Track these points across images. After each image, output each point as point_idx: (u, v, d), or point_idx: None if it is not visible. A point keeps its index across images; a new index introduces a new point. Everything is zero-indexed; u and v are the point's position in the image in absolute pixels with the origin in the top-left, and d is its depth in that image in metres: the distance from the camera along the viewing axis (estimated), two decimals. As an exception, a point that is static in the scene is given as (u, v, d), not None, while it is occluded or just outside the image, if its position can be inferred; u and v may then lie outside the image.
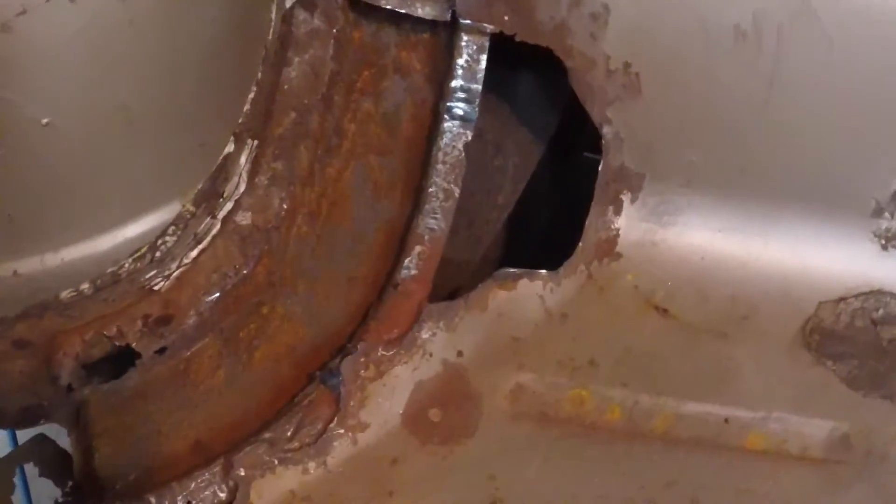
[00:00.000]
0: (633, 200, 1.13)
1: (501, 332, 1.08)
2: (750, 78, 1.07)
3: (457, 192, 1.06)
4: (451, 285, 1.15)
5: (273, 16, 1.04)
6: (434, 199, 1.05)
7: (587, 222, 1.11)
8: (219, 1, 1.03)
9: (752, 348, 1.11)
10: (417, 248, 1.05)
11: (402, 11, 1.04)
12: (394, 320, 1.04)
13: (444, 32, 1.07)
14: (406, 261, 1.04)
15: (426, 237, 1.05)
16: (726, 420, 1.09)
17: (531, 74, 1.20)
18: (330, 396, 1.02)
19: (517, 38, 1.05)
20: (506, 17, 1.04)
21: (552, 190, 1.28)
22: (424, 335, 1.04)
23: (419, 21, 1.06)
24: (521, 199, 1.25)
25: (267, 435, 0.99)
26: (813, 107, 1.08)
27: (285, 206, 1.07)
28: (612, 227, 1.13)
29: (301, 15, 1.07)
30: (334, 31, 1.06)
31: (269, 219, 1.07)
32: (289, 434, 1.00)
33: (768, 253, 1.14)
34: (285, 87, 1.06)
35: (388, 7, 1.04)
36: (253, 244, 1.06)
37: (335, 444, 1.01)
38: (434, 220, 1.05)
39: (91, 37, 1.00)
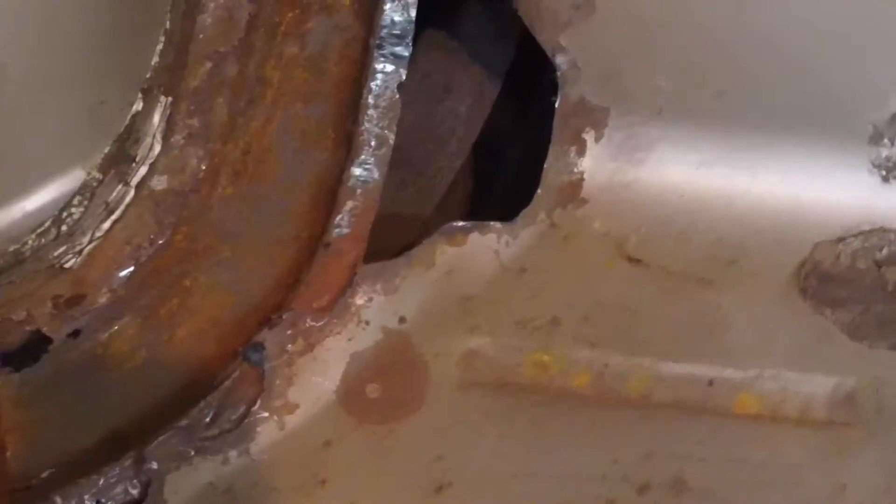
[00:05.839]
0: (597, 139, 1.00)
1: (450, 291, 0.95)
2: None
3: (391, 138, 0.93)
4: (402, 242, 1.03)
5: (179, -43, 0.93)
6: (366, 147, 0.93)
7: (546, 165, 0.98)
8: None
9: (741, 296, 0.97)
10: (349, 204, 0.93)
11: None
12: (324, 285, 0.92)
13: (372, -40, 0.95)
14: (337, 218, 0.93)
15: (358, 190, 0.93)
16: (710, 382, 0.95)
17: (478, 4, 1.07)
18: (254, 374, 0.90)
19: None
20: (432, -64, 0.92)
21: (516, 133, 1.15)
22: (359, 301, 0.92)
23: (344, -50, 0.94)
24: (480, 144, 1.12)
25: (183, 422, 0.88)
26: (796, 12, 0.94)
27: (204, 167, 0.96)
28: (576, 169, 1.00)
29: (213, -46, 0.96)
30: (250, -31, 0.95)
31: (186, 181, 0.95)
32: (207, 420, 0.88)
33: (756, 189, 1.00)
34: (199, 35, 0.95)
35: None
36: (169, 210, 0.95)
37: (259, 428, 0.89)
38: (366, 171, 0.93)
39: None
